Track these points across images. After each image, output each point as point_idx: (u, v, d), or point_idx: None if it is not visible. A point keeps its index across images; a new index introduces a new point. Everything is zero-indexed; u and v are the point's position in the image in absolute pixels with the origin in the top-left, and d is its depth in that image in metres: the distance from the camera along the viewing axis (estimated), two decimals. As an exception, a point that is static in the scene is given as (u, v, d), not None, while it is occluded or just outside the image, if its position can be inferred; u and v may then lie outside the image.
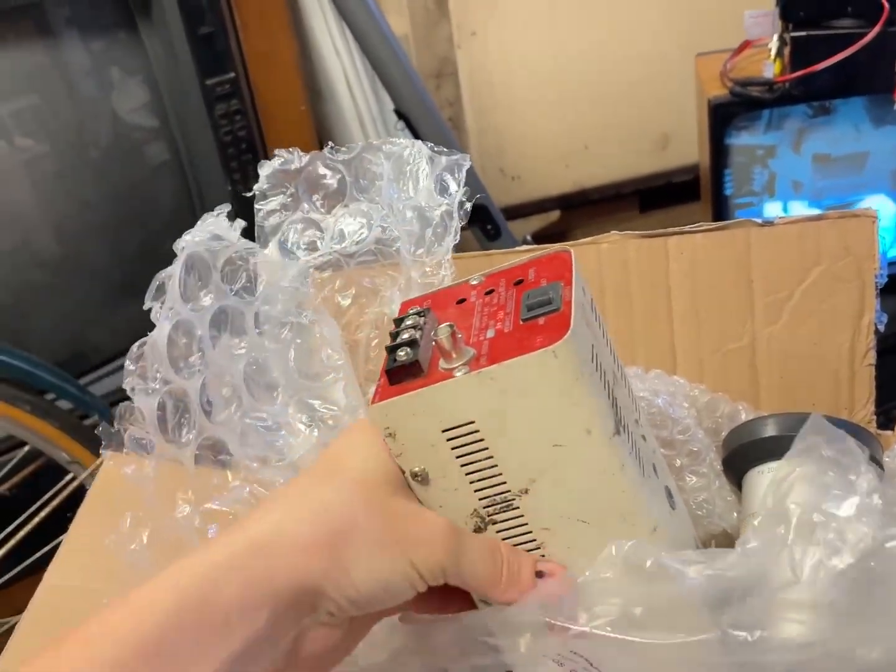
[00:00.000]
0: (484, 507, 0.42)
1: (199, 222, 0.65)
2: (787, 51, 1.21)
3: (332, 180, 0.68)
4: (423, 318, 0.43)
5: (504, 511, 0.42)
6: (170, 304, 0.58)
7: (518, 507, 0.42)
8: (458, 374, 0.39)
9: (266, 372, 0.69)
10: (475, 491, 0.41)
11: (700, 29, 1.68)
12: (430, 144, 0.63)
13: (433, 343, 0.41)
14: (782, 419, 0.52)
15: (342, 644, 0.42)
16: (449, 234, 0.64)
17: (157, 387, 0.58)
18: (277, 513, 0.39)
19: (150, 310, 0.58)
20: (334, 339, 0.69)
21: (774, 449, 0.49)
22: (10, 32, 1.26)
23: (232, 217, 0.66)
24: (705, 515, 0.58)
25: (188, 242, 0.62)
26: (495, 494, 0.41)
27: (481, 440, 0.40)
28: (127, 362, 0.57)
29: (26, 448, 1.19)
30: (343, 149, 0.68)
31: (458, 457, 0.41)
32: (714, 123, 1.29)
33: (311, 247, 0.69)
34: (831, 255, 0.63)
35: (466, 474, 0.41)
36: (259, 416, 0.68)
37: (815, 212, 1.33)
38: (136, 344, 0.58)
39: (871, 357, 0.63)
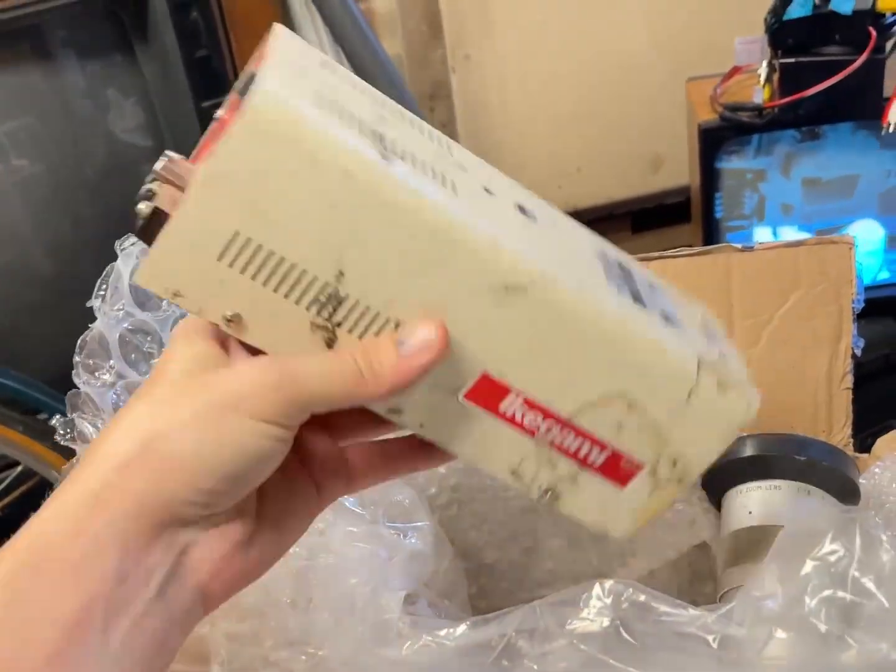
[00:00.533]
0: (317, 315, 0.37)
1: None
2: (776, 77, 1.23)
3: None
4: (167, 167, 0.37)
5: (337, 307, 0.37)
6: (119, 304, 0.60)
7: (347, 295, 0.36)
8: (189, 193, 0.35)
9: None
10: (295, 304, 0.36)
11: (691, 53, 1.70)
12: None
13: (166, 184, 0.36)
14: (761, 440, 0.52)
15: (259, 545, 0.38)
16: None
17: (111, 380, 0.59)
18: (100, 447, 0.36)
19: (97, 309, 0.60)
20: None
21: (753, 469, 0.50)
22: (9, 54, 1.28)
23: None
24: (685, 526, 0.59)
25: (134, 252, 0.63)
26: (316, 295, 0.36)
27: (259, 246, 0.35)
28: (76, 357, 0.59)
29: (19, 468, 1.19)
30: None
31: (252, 277, 0.36)
32: (704, 147, 1.30)
33: None
34: (810, 280, 0.64)
35: (274, 291, 0.36)
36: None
37: (806, 235, 1.34)
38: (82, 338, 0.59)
39: (849, 381, 0.64)
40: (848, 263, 0.63)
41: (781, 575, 0.43)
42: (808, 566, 0.42)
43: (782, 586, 0.43)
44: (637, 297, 0.40)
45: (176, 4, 1.26)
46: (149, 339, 0.63)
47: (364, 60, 1.30)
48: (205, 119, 1.34)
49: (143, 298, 0.62)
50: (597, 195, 1.84)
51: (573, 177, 1.82)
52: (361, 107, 0.37)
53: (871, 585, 0.42)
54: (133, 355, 0.62)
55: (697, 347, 0.40)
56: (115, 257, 0.65)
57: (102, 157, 1.37)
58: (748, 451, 0.53)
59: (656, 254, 0.68)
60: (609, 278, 0.40)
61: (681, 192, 1.75)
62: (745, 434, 0.56)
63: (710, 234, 1.34)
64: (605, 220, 1.88)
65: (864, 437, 1.39)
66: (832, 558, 0.42)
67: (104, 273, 0.62)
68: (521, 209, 0.40)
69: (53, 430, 1.20)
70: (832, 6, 1.15)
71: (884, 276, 1.34)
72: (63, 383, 1.27)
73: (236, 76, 1.31)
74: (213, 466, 0.35)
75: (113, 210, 1.37)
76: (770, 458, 0.45)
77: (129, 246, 0.63)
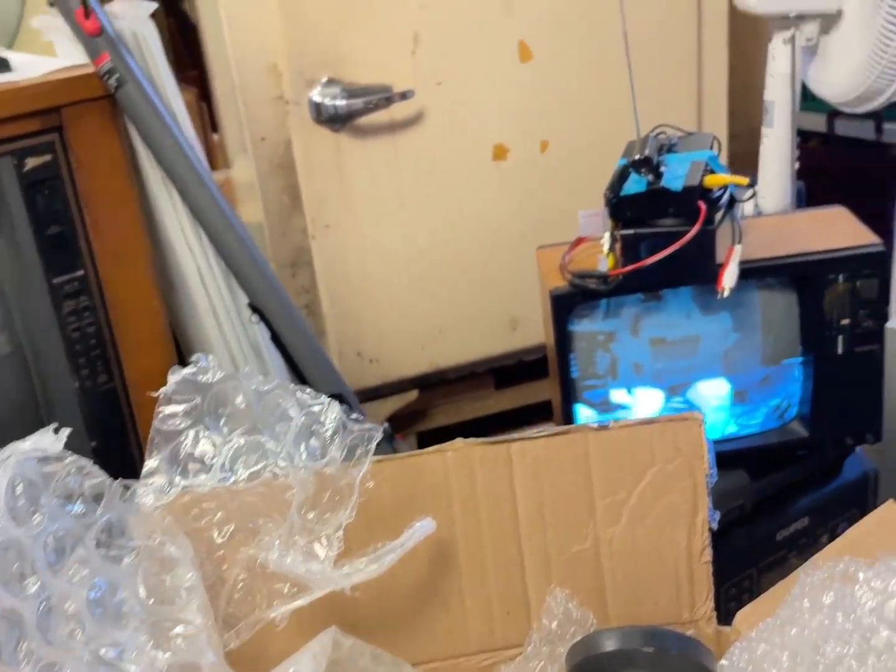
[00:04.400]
0: None
1: (27, 441, 0.63)
2: (618, 246, 1.30)
3: (240, 404, 0.68)
4: None
5: None
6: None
7: None
8: None
9: (111, 597, 0.66)
10: None
11: (542, 221, 1.80)
12: (345, 408, 0.65)
13: None
14: (623, 633, 0.53)
15: None
16: (345, 509, 0.64)
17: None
18: None
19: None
20: (186, 558, 0.67)
21: (616, 663, 0.50)
22: None
23: (77, 418, 0.65)
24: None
25: (12, 463, 0.60)
26: None
27: None
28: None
29: None
30: (260, 378, 0.68)
31: None
32: (556, 313, 1.35)
33: (202, 466, 0.68)
34: (664, 456, 0.67)
35: None
36: (104, 643, 0.64)
37: (658, 392, 1.41)
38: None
39: (708, 554, 0.66)
40: (698, 439, 0.66)
41: None
42: None
43: None
44: None
45: (28, 183, 1.25)
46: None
47: (222, 235, 1.32)
48: (56, 295, 1.31)
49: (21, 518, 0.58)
50: (459, 355, 1.88)
51: (435, 338, 1.86)
52: None
53: None
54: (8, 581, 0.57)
55: None
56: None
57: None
58: (610, 645, 0.53)
59: (517, 436, 0.70)
60: None
61: (539, 349, 1.81)
62: (601, 629, 0.56)
63: (568, 395, 1.38)
64: (468, 378, 1.92)
65: (727, 588, 1.42)
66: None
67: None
68: None
69: None
70: (664, 183, 1.24)
71: (732, 429, 1.41)
72: None
73: (90, 251, 1.30)
74: None
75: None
76: (631, 652, 0.45)
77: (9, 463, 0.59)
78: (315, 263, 1.74)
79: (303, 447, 0.70)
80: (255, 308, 1.34)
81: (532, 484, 0.69)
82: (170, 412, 0.69)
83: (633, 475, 0.67)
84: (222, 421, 0.70)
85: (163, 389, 0.68)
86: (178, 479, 0.70)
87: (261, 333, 1.45)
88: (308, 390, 0.70)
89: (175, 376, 0.68)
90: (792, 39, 1.57)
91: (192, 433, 0.69)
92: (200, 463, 0.69)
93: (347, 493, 0.67)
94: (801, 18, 1.57)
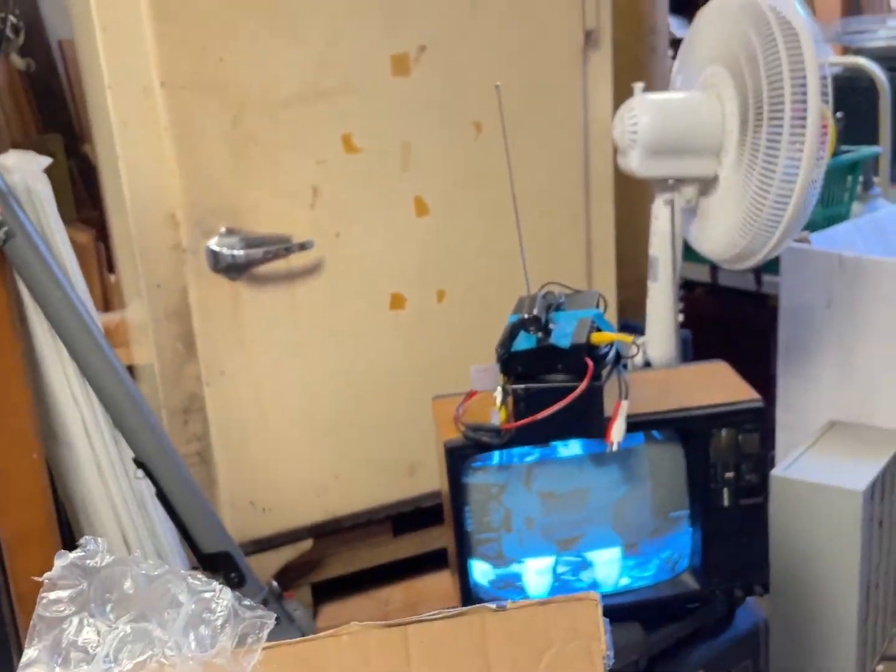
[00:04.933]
0: None
1: None
2: (510, 400, 1.32)
3: (129, 589, 0.65)
4: None
5: None
6: None
7: None
8: None
9: None
10: None
11: (438, 369, 1.81)
12: (237, 595, 0.63)
13: None
14: None
15: None
16: None
17: None
18: None
19: None
20: None
21: None
22: None
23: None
24: None
25: None
26: None
27: None
28: None
29: None
30: (151, 562, 0.66)
31: None
32: (450, 464, 1.36)
33: (84, 655, 0.65)
34: (561, 637, 0.66)
35: None
36: None
37: (551, 547, 1.41)
38: None
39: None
40: (595, 619, 0.66)
41: None
42: None
43: None
44: None
45: None
46: None
47: (108, 388, 1.29)
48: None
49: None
50: (356, 502, 1.85)
51: (332, 485, 1.83)
52: None
53: None
54: None
55: None
56: None
57: None
58: None
59: (413, 618, 0.68)
60: None
61: (437, 496, 1.79)
62: None
63: (463, 549, 1.37)
64: (365, 525, 1.89)
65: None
66: None
67: None
68: None
69: None
70: (553, 341, 1.27)
71: (626, 582, 1.41)
72: None
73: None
74: None
75: None
76: None
77: None
78: (208, 410, 1.71)
79: (192, 636, 0.67)
80: (140, 463, 1.30)
81: (429, 670, 0.68)
82: (54, 598, 0.66)
83: (532, 657, 0.66)
84: (109, 607, 0.67)
85: (47, 574, 0.64)
86: (58, 670, 0.67)
87: (147, 489, 1.40)
88: (200, 576, 0.68)
89: (61, 560, 0.65)
90: (671, 202, 1.67)
91: (76, 620, 0.66)
92: (84, 652, 0.66)
93: (238, 685, 0.64)
94: (680, 182, 1.68)
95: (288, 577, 1.85)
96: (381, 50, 1.69)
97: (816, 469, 1.81)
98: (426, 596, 1.95)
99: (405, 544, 1.98)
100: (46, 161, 1.31)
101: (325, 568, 1.91)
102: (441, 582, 1.97)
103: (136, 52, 1.55)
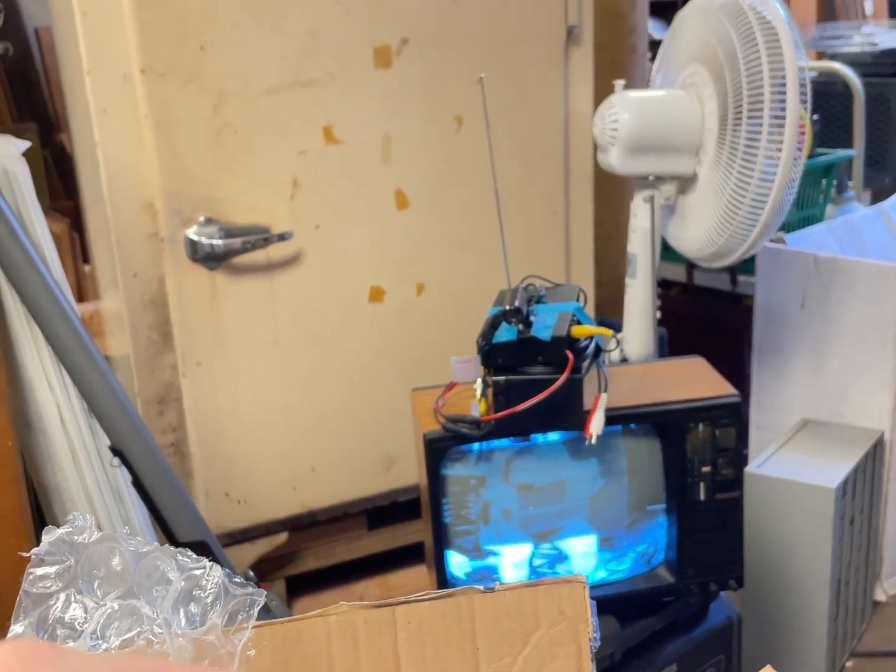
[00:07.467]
0: None
1: None
2: (490, 392, 1.32)
3: (117, 566, 0.64)
4: None
5: None
6: None
7: None
8: None
9: None
10: None
11: (416, 362, 1.81)
12: (227, 572, 0.62)
13: None
14: None
15: None
16: None
17: None
18: None
19: None
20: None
21: None
22: None
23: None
24: None
25: None
26: None
27: None
28: None
29: None
30: (139, 539, 0.64)
31: None
32: (429, 456, 1.35)
33: (71, 632, 0.63)
34: (549, 619, 0.66)
35: None
36: None
37: (527, 538, 1.41)
38: None
39: (589, 721, 0.65)
40: (582, 602, 0.66)
41: None
42: None
43: None
44: None
45: None
46: None
47: (84, 374, 1.28)
48: None
49: None
50: (332, 495, 1.85)
51: (308, 477, 1.82)
52: None
53: None
54: None
55: None
56: None
57: None
58: None
59: (401, 599, 0.68)
60: None
61: (414, 490, 1.79)
62: None
63: (441, 541, 1.37)
64: (340, 519, 1.88)
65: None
66: None
67: None
68: None
69: None
70: (533, 333, 1.28)
71: (602, 575, 1.42)
72: None
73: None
74: None
75: None
76: None
77: None
78: (184, 401, 1.70)
79: (181, 613, 0.66)
80: (116, 451, 1.29)
81: (417, 651, 0.67)
82: (41, 574, 0.65)
83: (519, 639, 0.66)
84: (97, 584, 0.66)
85: (34, 550, 0.63)
86: (45, 646, 0.65)
87: (122, 477, 1.39)
88: (189, 553, 0.67)
89: (49, 536, 0.64)
90: (651, 199, 1.68)
91: (62, 596, 0.65)
92: (70, 629, 0.65)
93: (228, 662, 0.63)
94: (660, 180, 1.69)
95: (262, 570, 1.84)
96: (364, 41, 1.68)
97: (789, 466, 1.83)
98: (401, 590, 1.94)
99: (380, 539, 1.98)
100: (25, 145, 1.29)
101: (299, 561, 1.90)
102: (416, 577, 1.97)
103: (116, 39, 1.54)
